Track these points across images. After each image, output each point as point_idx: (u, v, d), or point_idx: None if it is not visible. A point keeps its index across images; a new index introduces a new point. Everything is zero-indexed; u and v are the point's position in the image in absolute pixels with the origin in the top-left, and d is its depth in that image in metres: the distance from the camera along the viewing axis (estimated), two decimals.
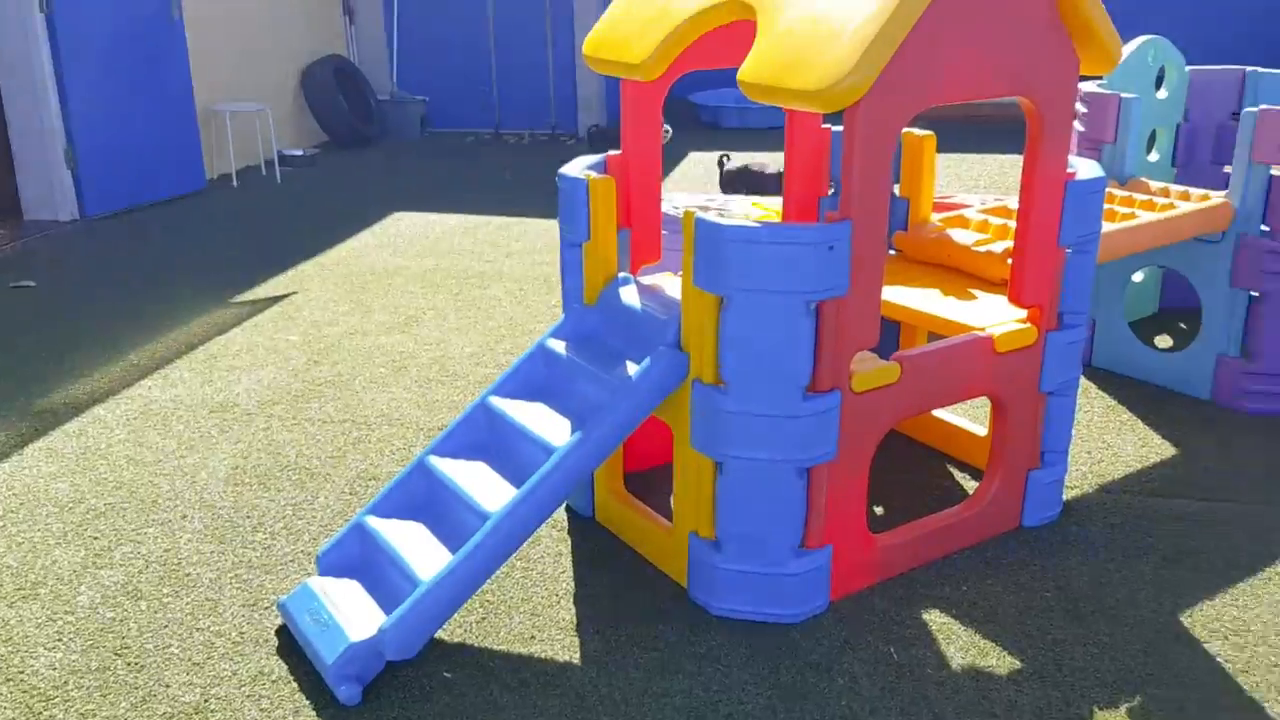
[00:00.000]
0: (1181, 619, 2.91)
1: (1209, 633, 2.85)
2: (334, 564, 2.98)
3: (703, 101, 10.41)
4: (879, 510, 3.50)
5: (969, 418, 3.93)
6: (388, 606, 2.75)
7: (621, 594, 3.05)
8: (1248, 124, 3.98)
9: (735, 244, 2.69)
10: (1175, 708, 2.58)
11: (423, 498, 3.00)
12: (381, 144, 9.87)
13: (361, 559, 2.96)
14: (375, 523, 2.96)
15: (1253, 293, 4.09)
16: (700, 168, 8.57)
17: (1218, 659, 2.75)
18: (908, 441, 3.95)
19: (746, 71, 2.76)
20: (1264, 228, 4.03)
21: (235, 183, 8.37)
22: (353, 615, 2.75)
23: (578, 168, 3.27)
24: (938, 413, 3.92)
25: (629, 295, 3.16)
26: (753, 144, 9.25)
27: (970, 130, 9.27)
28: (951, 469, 3.76)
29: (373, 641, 2.64)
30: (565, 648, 2.82)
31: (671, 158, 8.87)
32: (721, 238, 2.70)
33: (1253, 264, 4.04)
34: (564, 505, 3.52)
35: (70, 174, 7.24)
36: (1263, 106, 3.95)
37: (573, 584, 3.11)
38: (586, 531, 3.38)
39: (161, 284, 5.93)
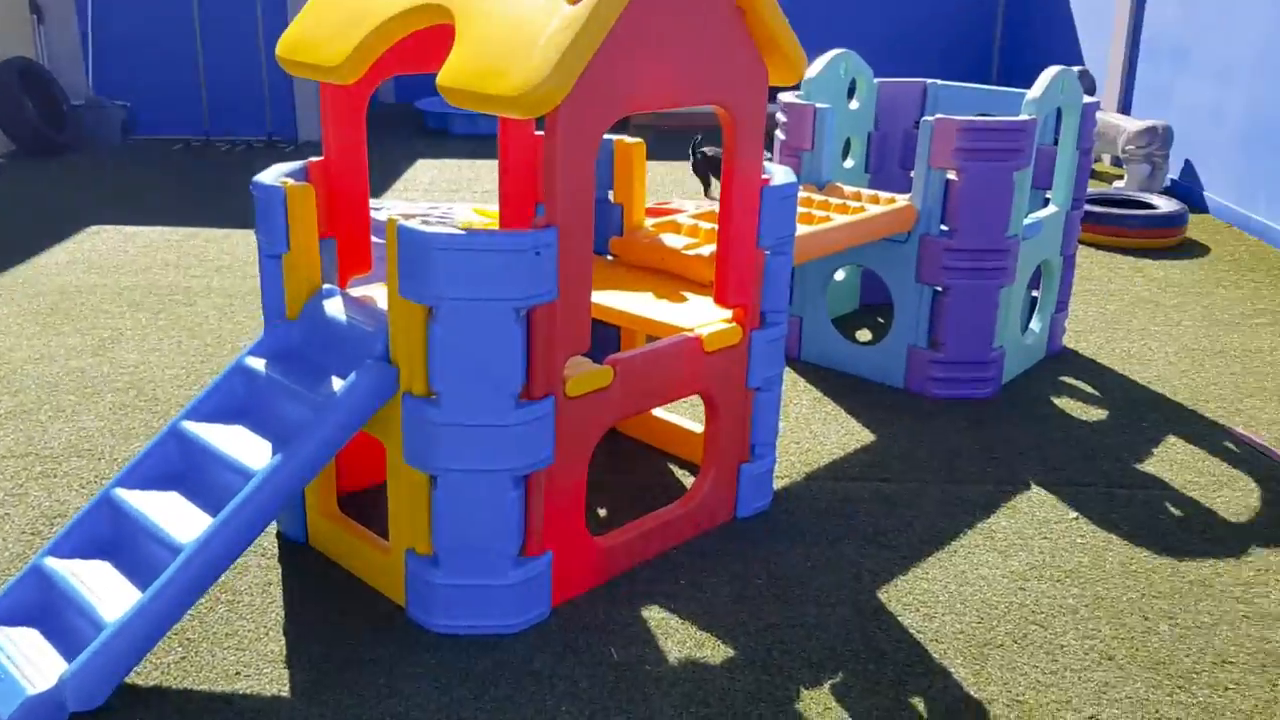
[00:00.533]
0: (879, 595, 3.10)
1: (903, 606, 3.06)
2: (9, 612, 2.70)
3: (429, 108, 10.25)
4: (602, 512, 3.54)
5: (690, 416, 4.05)
6: (70, 654, 2.52)
7: (336, 620, 2.93)
8: (925, 133, 4.31)
9: (440, 252, 2.64)
10: (873, 681, 2.74)
11: (108, 534, 2.77)
12: (77, 152, 9.11)
13: (40, 605, 2.69)
14: (55, 564, 2.70)
15: (936, 288, 4.43)
16: (427, 174, 8.42)
17: (910, 630, 2.95)
18: (630, 441, 4.02)
19: (445, 77, 2.71)
20: (943, 227, 4.38)
21: None
22: (30, 666, 2.50)
23: (274, 175, 3.13)
24: (657, 412, 4.01)
25: (333, 308, 3.04)
26: (485, 151, 9.19)
27: (688, 139, 9.58)
28: (672, 466, 3.86)
29: (53, 692, 2.41)
30: (274, 681, 2.68)
31: (398, 166, 8.67)
32: (426, 246, 2.64)
33: (934, 261, 4.38)
34: (274, 531, 3.35)
35: None
36: (937, 116, 4.29)
37: (283, 614, 2.96)
38: (299, 557, 3.23)
39: None
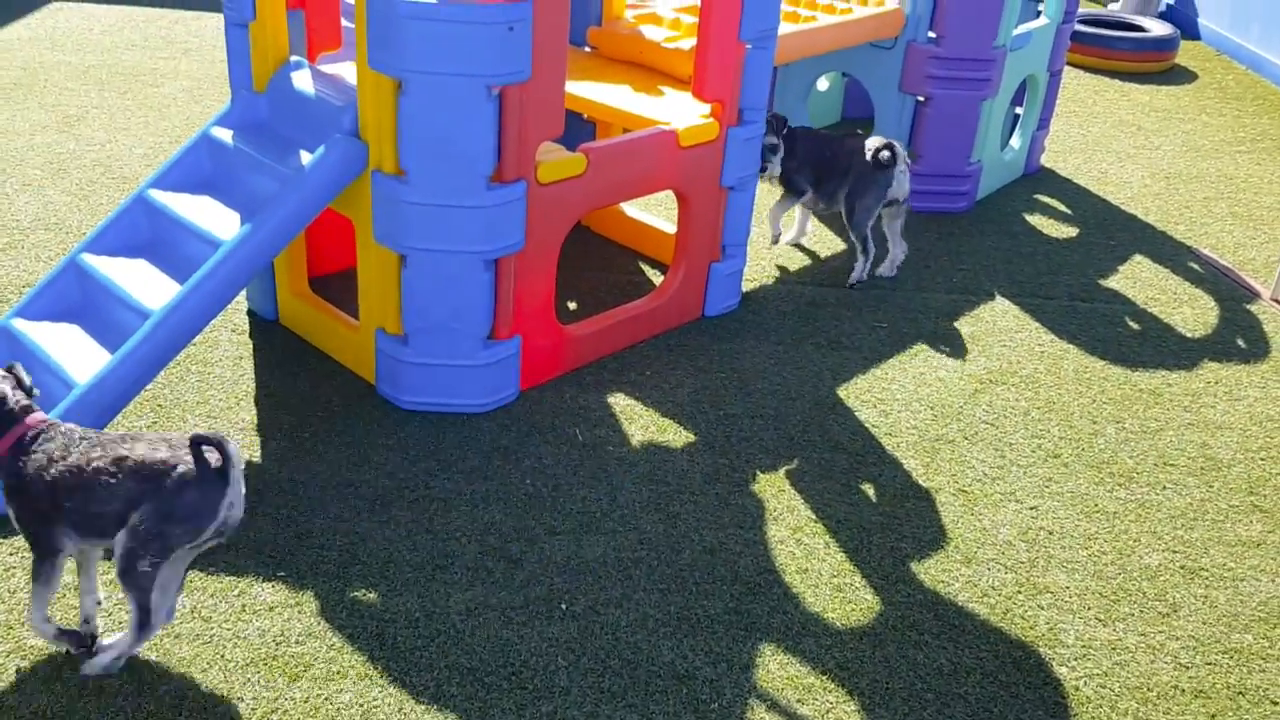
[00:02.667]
0: (838, 392, 3.18)
1: (860, 403, 3.14)
2: None
3: None
4: (572, 305, 3.57)
5: (662, 216, 4.03)
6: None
7: (307, 394, 2.98)
8: None
9: (411, 21, 2.55)
10: (827, 468, 2.85)
11: (76, 299, 2.77)
12: None
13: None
14: (23, 325, 2.71)
15: (918, 98, 4.36)
16: None
17: (866, 425, 3.04)
18: (600, 239, 4.02)
19: None
20: (931, 34, 4.27)
21: None
22: None
23: None
24: (628, 211, 4.00)
25: (302, 80, 2.96)
26: None
27: None
28: (642, 265, 3.87)
29: None
30: (246, 447, 2.74)
31: None
32: (396, 14, 2.56)
33: (918, 69, 4.29)
34: (245, 310, 3.36)
35: None
36: None
37: (254, 386, 3.00)
38: (270, 334, 3.25)
39: None
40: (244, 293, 3.37)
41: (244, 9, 2.95)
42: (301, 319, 3.25)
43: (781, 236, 3.97)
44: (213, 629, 2.20)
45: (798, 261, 3.97)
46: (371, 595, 2.31)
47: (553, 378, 3.14)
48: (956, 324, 3.60)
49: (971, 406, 3.16)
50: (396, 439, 2.82)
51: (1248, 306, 3.85)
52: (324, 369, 3.10)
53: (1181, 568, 2.58)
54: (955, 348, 3.46)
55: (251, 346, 3.18)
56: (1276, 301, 3.89)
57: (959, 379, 3.30)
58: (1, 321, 2.74)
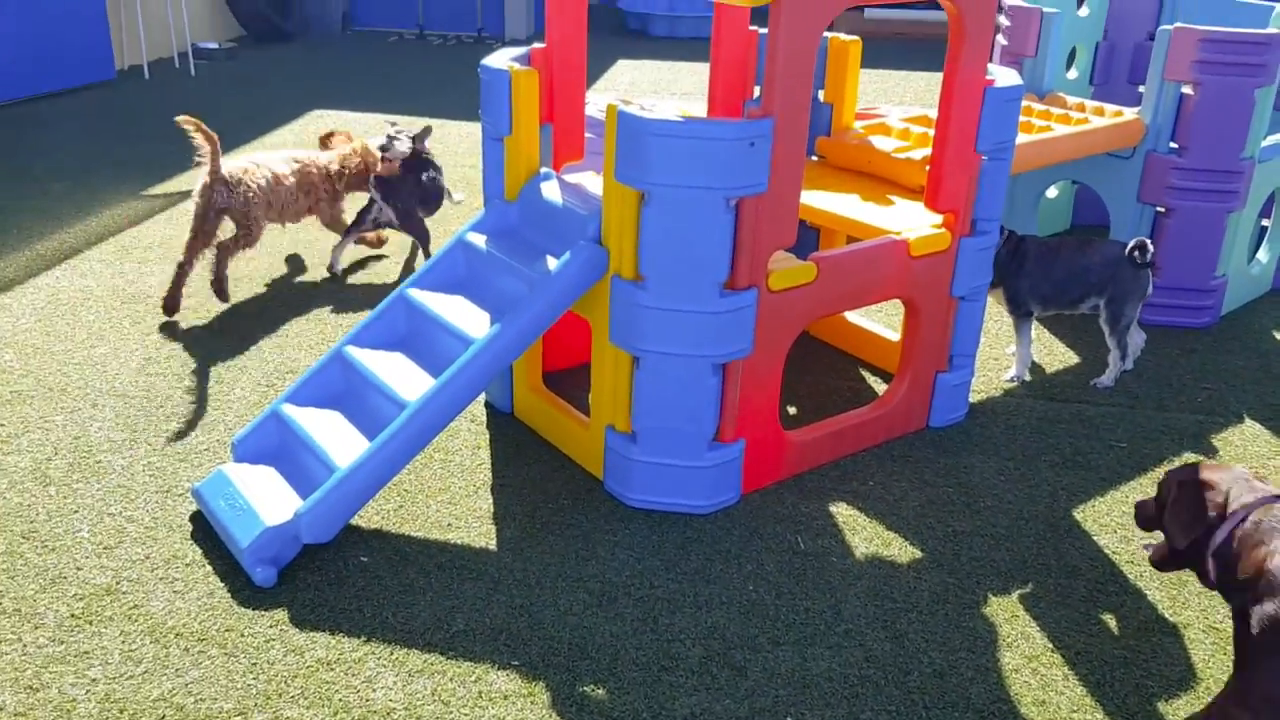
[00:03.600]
0: (1074, 515, 3.05)
1: (1099, 527, 3.00)
2: (250, 451, 2.97)
3: (630, 8, 10.24)
4: (792, 410, 3.58)
5: (883, 324, 4.02)
6: (304, 492, 2.76)
7: (538, 485, 3.10)
8: (1162, 41, 4.06)
9: (657, 137, 2.69)
10: (1064, 593, 2.72)
11: (340, 387, 2.99)
12: (301, 40, 9.56)
13: (278, 446, 2.95)
14: (292, 411, 2.95)
15: (1158, 209, 4.21)
16: (627, 75, 8.47)
17: (1105, 551, 2.90)
18: (823, 346, 4.03)
19: None
20: (1173, 145, 4.14)
21: (147, 74, 8.06)
22: (268, 500, 2.76)
23: (501, 59, 3.23)
24: (851, 318, 4.00)
25: (550, 190, 3.15)
26: (682, 54, 9.16)
27: (899, 47, 9.29)
28: (864, 372, 3.85)
29: (289, 525, 2.65)
30: (481, 535, 2.87)
31: (598, 65, 8.75)
32: (644, 131, 2.70)
33: (1159, 180, 4.15)
34: (483, 401, 3.54)
35: None
36: (1176, 24, 4.03)
37: (490, 475, 3.14)
38: (505, 426, 3.41)
39: (68, 174, 5.73)
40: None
41: (501, 125, 3.17)
42: (535, 413, 3.40)
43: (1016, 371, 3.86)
44: (451, 713, 2.29)
45: (1027, 373, 3.85)
46: (600, 692, 2.35)
47: (774, 482, 3.15)
48: (1202, 447, 3.40)
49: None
50: (622, 535, 2.89)
51: None
52: (554, 462, 3.21)
53: None
54: None
55: (488, 437, 3.34)
56: None
57: None
58: (273, 406, 2.99)
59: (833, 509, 3.04)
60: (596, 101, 6.48)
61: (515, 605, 2.60)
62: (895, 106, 6.64)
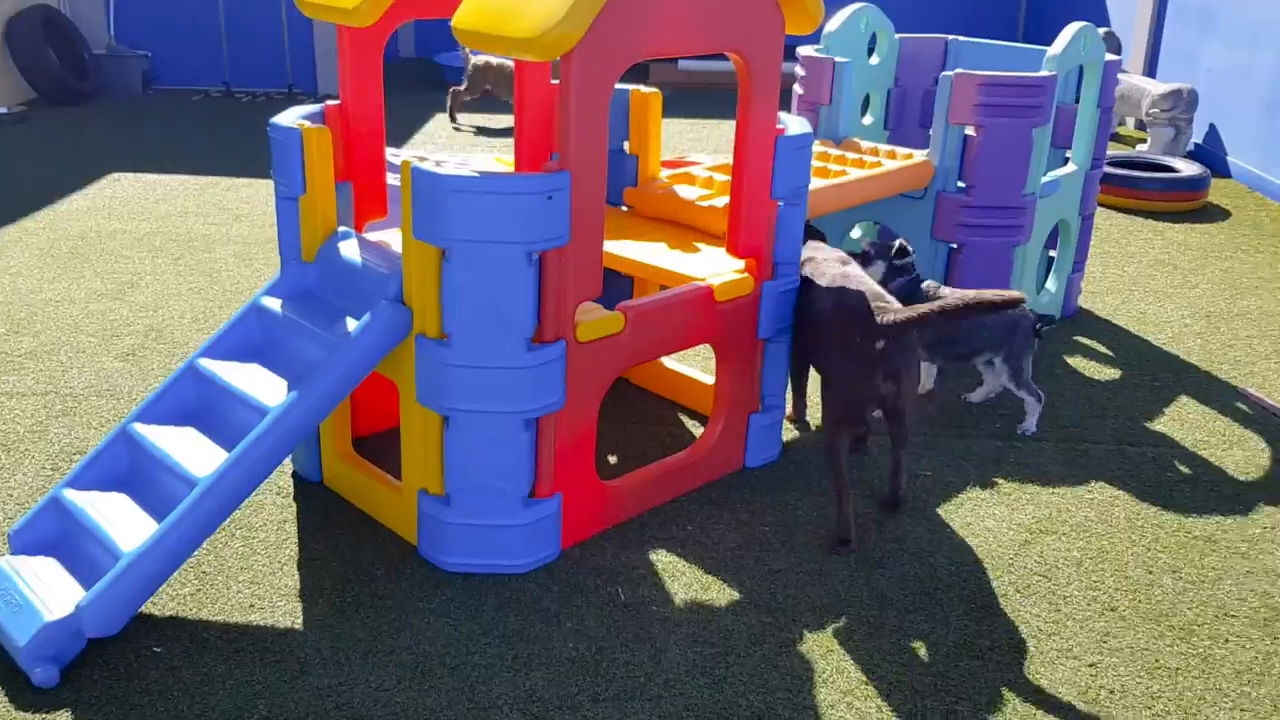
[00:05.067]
0: (885, 544, 3.13)
1: (908, 555, 3.08)
2: (28, 542, 2.76)
3: (448, 62, 10.21)
4: (612, 459, 3.57)
5: (700, 368, 4.07)
6: (87, 582, 2.58)
7: (349, 557, 2.98)
8: (944, 87, 4.29)
9: (453, 194, 2.65)
10: (875, 626, 2.78)
11: (126, 468, 2.82)
12: (99, 102, 9.13)
13: (59, 535, 2.75)
14: (74, 496, 2.76)
15: (951, 245, 4.42)
16: (447, 128, 8.42)
17: (914, 579, 2.98)
18: (641, 392, 4.05)
19: (460, 19, 2.72)
20: (960, 184, 4.36)
21: None
22: (49, 594, 2.56)
23: (292, 117, 3.14)
24: (668, 363, 4.04)
25: (349, 250, 3.07)
26: (500, 106, 9.16)
27: (712, 97, 9.55)
28: (683, 417, 3.89)
29: (70, 619, 2.47)
30: (288, 614, 2.73)
31: (415, 120, 8.67)
32: (440, 187, 2.66)
33: (949, 218, 4.36)
34: (290, 472, 3.40)
35: None
36: (957, 70, 4.26)
37: (297, 550, 3.01)
38: (314, 497, 3.28)
39: None
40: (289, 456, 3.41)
41: (294, 184, 3.08)
42: (345, 481, 3.28)
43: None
44: None
45: None
46: None
47: (594, 534, 3.12)
48: (1002, 471, 3.56)
49: (1022, 558, 3.10)
50: (438, 602, 2.80)
51: None
52: (367, 531, 3.11)
53: None
54: (1001, 496, 3.41)
55: (295, 509, 3.20)
56: None
57: (1007, 529, 3.24)
58: (53, 491, 2.79)
59: (653, 556, 3.03)
60: (404, 154, 6.42)
61: (322, 687, 2.49)
62: (707, 155, 6.81)
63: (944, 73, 4.30)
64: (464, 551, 2.92)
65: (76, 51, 9.27)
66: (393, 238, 3.18)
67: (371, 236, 3.22)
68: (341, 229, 3.16)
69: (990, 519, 3.27)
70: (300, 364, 2.88)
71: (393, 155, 3.70)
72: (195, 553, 2.82)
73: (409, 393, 2.89)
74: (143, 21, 9.73)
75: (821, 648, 2.68)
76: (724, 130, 8.62)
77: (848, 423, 3.11)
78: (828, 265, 3.42)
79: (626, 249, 3.53)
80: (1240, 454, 3.71)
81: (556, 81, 3.76)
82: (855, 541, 3.08)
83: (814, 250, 3.57)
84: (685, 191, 3.87)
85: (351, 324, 2.87)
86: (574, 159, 2.74)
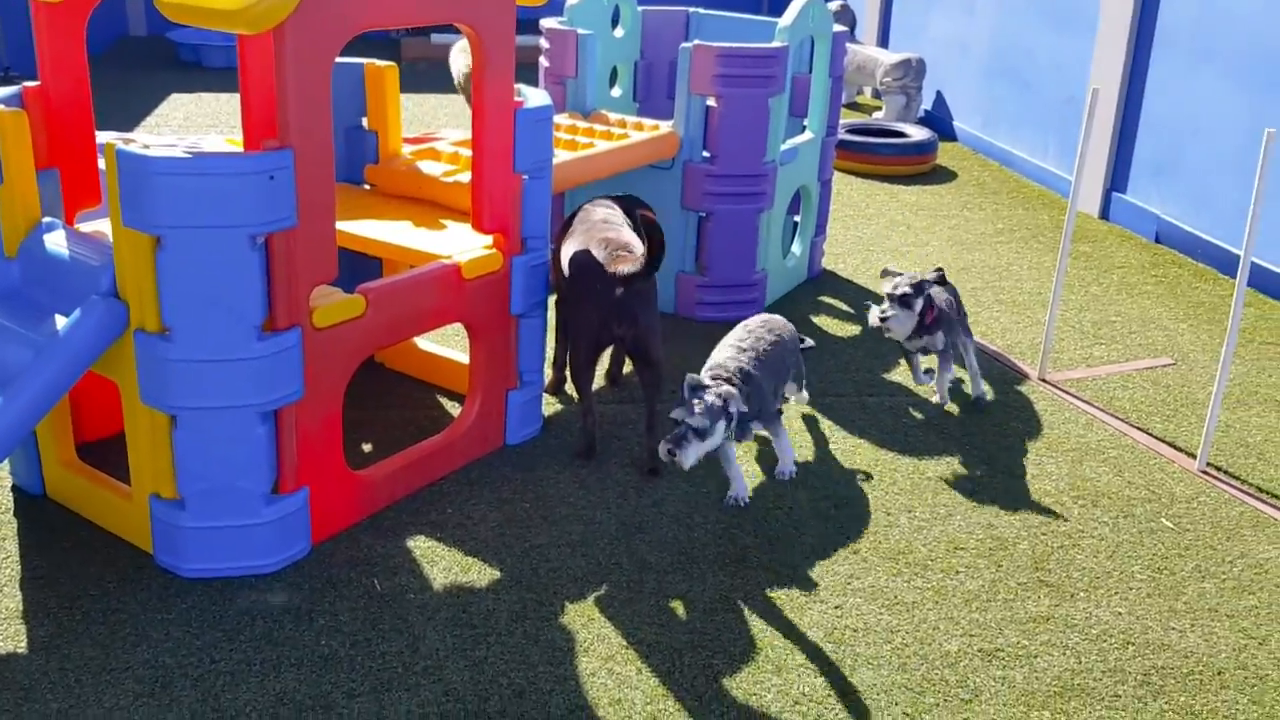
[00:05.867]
0: (644, 510, 3.18)
1: (666, 518, 3.15)
2: None
3: (181, 39, 9.61)
4: (367, 447, 3.47)
5: (457, 347, 4.00)
6: None
7: (78, 571, 2.77)
8: (684, 59, 4.37)
9: (163, 177, 2.49)
10: (635, 591, 2.82)
11: None
12: None
13: None
14: None
15: (700, 214, 4.52)
16: (182, 110, 7.93)
17: (671, 541, 3.04)
18: (397, 376, 3.95)
19: None
20: (705, 154, 4.46)
21: None
22: None
23: None
24: (423, 344, 3.95)
25: (55, 242, 2.83)
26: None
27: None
28: (441, 399, 3.82)
29: None
30: (9, 638, 2.51)
31: (150, 101, 8.12)
32: (148, 170, 2.49)
33: (697, 187, 4.46)
34: (9, 485, 3.12)
35: None
36: (695, 42, 4.34)
37: (19, 568, 2.77)
38: (36, 510, 3.03)
39: None
40: (5, 467, 3.14)
41: None
42: (70, 491, 3.04)
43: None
44: None
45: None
46: None
47: (348, 527, 3.03)
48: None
49: (771, 510, 3.22)
50: (177, 611, 2.64)
51: (1019, 388, 4.09)
52: (97, 542, 2.89)
53: (979, 650, 2.66)
54: (752, 453, 3.53)
55: (16, 525, 2.95)
56: (1044, 381, 4.15)
57: (756, 482, 3.36)
58: None
59: (410, 544, 2.97)
60: (143, 141, 6.01)
61: (50, 712, 2.30)
62: (456, 130, 6.70)
63: (683, 44, 4.38)
64: (204, 556, 2.77)
65: None
66: (107, 227, 2.96)
67: (85, 227, 2.99)
68: (46, 220, 2.92)
69: (745, 477, 3.38)
70: (5, 368, 2.65)
71: (117, 139, 3.44)
72: None
73: (131, 392, 2.70)
74: None
75: (583, 618, 2.70)
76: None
77: (589, 358, 3.43)
78: (588, 219, 3.61)
79: (368, 229, 3.43)
80: (966, 398, 3.98)
81: None
82: (593, 453, 3.46)
83: (589, 208, 3.73)
84: (429, 167, 3.79)
85: (61, 322, 2.65)
86: (295, 136, 2.62)
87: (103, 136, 3.27)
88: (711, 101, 4.40)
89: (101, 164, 3.15)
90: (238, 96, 8.53)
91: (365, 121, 3.85)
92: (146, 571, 2.78)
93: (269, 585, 2.75)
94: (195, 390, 2.63)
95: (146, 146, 2.70)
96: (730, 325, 4.51)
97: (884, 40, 9.36)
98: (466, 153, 3.97)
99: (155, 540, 2.81)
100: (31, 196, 2.90)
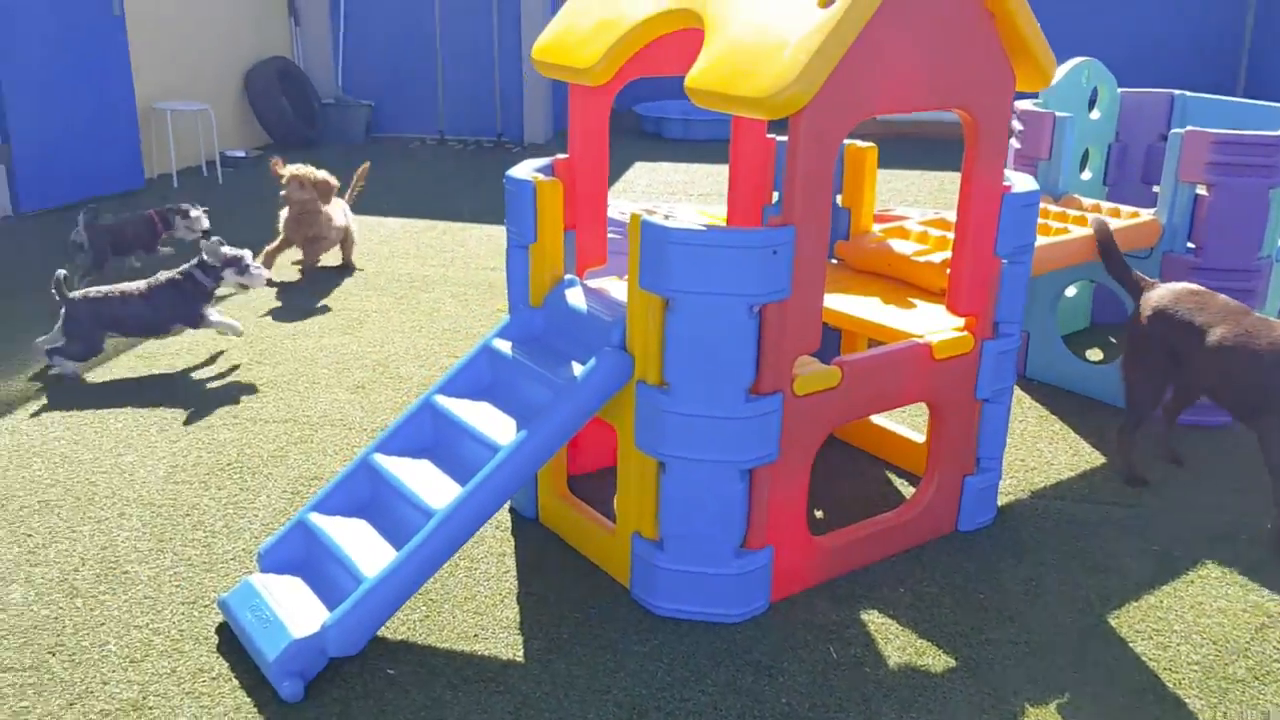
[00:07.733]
0: (1109, 619, 3.00)
1: (1134, 633, 2.94)
2: (276, 561, 2.96)
3: (646, 112, 10.47)
4: (819, 514, 3.56)
5: (909, 425, 4.01)
6: (331, 603, 2.75)
7: (565, 594, 3.07)
8: (1175, 144, 4.13)
9: (680, 246, 2.73)
10: (1103, 704, 2.66)
11: (367, 496, 3.00)
12: (325, 147, 9.78)
13: (304, 556, 2.95)
14: (319, 520, 2.95)
15: None
16: (644, 177, 8.63)
17: (1142, 658, 2.84)
18: (849, 448, 4.02)
19: (694, 78, 2.81)
20: (1190, 245, 4.17)
21: (175, 183, 8.25)
22: (295, 612, 2.74)
23: (526, 170, 3.30)
24: (877, 420, 4.00)
25: (575, 297, 3.19)
26: (697, 156, 9.33)
27: (911, 145, 9.44)
28: (891, 475, 3.84)
29: (316, 638, 2.63)
30: (508, 646, 2.84)
31: (615, 167, 8.91)
32: (667, 240, 2.74)
33: (1177, 280, 4.16)
34: (507, 507, 3.53)
35: (4, 169, 7.09)
36: (1189, 128, 4.10)
37: (516, 584, 3.12)
38: (530, 533, 3.40)
39: (96, 280, 5.82)
40: None
41: (526, 233, 3.23)
42: (560, 519, 3.38)
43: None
44: None
45: (1053, 475, 3.83)
46: None
47: (802, 589, 3.12)
48: (1235, 548, 3.36)
49: (1260, 640, 2.91)
50: (651, 645, 2.85)
51: None
52: (580, 569, 3.19)
53: None
54: (1235, 574, 3.22)
55: (513, 544, 3.32)
56: None
57: (1243, 609, 3.05)
58: (300, 514, 2.99)
59: (864, 617, 3.00)
60: (616, 204, 6.61)
61: None
62: (910, 208, 6.74)
63: (1175, 129, 4.14)
64: (676, 597, 2.96)
65: (307, 100, 9.99)
66: (612, 284, 3.29)
67: (593, 283, 3.34)
68: (567, 276, 3.29)
69: (1223, 598, 3.08)
70: (528, 405, 3.01)
71: (641, 210, 3.84)
72: None
73: (628, 437, 2.97)
74: (368, 74, 10.40)
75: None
76: (923, 181, 8.50)
77: None
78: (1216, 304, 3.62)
79: (840, 303, 3.54)
80: None
81: (771, 136, 3.85)
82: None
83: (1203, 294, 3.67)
84: (900, 246, 3.85)
85: (577, 368, 2.98)
86: (800, 214, 2.77)
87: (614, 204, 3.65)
88: (1202, 190, 4.12)
89: (613, 221, 3.52)
90: (693, 166, 9.14)
91: (840, 199, 3.99)
92: (623, 603, 3.02)
93: (730, 633, 2.89)
94: (686, 441, 2.84)
95: (667, 217, 2.97)
96: (1201, 429, 4.16)
97: None
98: (936, 232, 4.00)
99: (633, 575, 3.05)
100: (558, 255, 3.28)
